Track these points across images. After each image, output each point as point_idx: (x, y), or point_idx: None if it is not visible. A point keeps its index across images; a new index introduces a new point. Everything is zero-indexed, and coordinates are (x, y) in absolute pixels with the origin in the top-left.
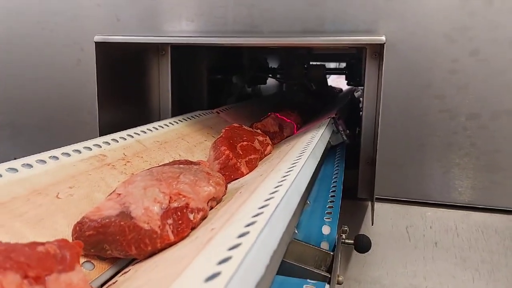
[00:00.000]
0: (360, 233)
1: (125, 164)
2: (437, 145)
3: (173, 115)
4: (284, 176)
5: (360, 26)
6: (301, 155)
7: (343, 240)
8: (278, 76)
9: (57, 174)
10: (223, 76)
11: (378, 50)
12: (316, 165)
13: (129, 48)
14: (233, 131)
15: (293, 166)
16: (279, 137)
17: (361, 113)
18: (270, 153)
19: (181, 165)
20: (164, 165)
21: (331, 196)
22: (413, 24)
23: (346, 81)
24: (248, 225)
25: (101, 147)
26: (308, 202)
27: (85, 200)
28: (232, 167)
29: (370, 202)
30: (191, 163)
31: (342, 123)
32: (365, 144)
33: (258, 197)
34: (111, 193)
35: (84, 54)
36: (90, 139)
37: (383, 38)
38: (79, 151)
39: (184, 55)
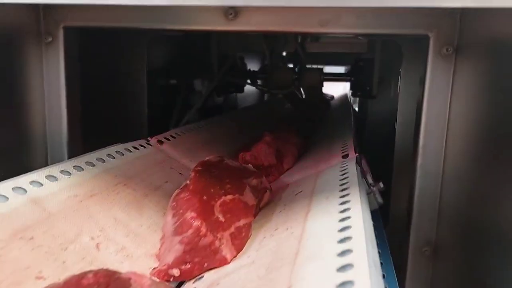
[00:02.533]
0: None
1: None
2: None
3: (76, 147)
4: None
5: None
6: None
7: None
8: (259, 82)
9: None
10: (178, 80)
11: (455, 42)
12: None
13: None
14: (208, 172)
15: None
16: (276, 171)
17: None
18: (267, 203)
19: None
20: None
21: None
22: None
23: (351, 91)
24: None
25: None
26: None
27: None
28: (207, 249)
29: None
30: (115, 278)
31: (368, 169)
32: (421, 216)
33: None
34: None
35: None
36: None
37: None
38: None
39: (98, 45)
